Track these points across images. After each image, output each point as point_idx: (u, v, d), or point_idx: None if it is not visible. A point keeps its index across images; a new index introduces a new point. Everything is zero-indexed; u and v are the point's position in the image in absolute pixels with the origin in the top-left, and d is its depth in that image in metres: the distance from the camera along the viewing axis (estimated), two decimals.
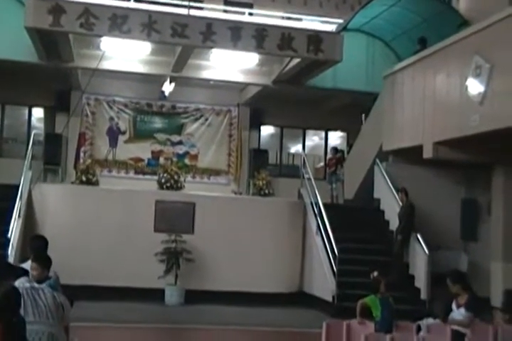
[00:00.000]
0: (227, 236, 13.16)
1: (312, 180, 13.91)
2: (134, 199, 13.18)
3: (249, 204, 13.85)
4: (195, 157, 17.53)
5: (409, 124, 13.27)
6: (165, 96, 16.58)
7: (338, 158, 16.13)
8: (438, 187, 13.68)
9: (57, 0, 11.79)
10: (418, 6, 14.36)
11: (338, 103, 16.98)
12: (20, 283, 4.64)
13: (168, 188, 13.47)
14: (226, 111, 17.81)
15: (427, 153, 12.34)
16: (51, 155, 15.51)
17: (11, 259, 10.53)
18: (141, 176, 16.94)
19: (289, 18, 17.32)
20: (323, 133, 18.83)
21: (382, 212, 13.95)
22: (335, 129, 18.78)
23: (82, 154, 16.61)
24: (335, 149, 16.53)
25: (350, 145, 16.97)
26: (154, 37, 12.39)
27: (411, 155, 13.19)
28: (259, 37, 12.63)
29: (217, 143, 17.70)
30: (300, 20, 17.67)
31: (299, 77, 14.80)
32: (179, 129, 17.54)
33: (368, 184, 14.40)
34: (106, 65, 14.61)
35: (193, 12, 13.82)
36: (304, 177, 14.53)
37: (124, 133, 17.19)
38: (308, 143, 18.82)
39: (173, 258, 12.45)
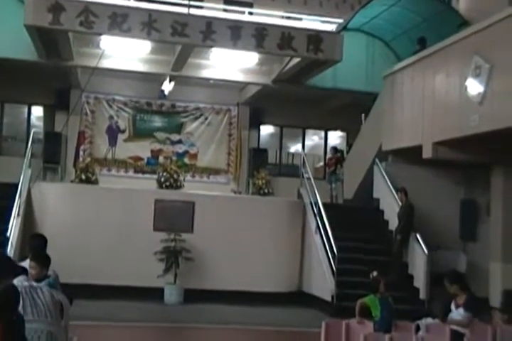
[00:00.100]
0: (227, 236, 13.16)
1: (312, 179, 13.92)
2: (133, 198, 13.18)
3: (248, 203, 13.85)
4: (194, 156, 17.53)
5: (408, 124, 13.28)
6: (164, 95, 16.57)
7: (337, 157, 16.14)
8: (437, 187, 13.69)
9: None
10: (418, 5, 14.36)
11: (338, 103, 16.98)
12: (19, 281, 4.63)
13: (167, 187, 13.47)
14: (226, 111, 17.80)
15: (427, 153, 12.34)
16: (50, 154, 15.49)
17: None
18: (140, 175, 16.93)
19: (289, 18, 17.30)
20: (322, 133, 18.83)
21: (382, 211, 13.95)
22: (334, 129, 18.78)
23: (81, 153, 16.60)
24: (334, 149, 16.54)
25: (349, 145, 16.97)
26: (154, 36, 12.38)
27: (410, 155, 13.19)
28: (259, 36, 12.62)
29: (217, 142, 17.70)
30: (300, 19, 17.66)
31: (299, 76, 14.80)
32: (179, 128, 17.53)
33: (367, 184, 14.40)
34: (106, 63, 14.60)
35: (193, 11, 13.83)
36: (303, 176, 14.53)
37: (123, 131, 17.18)
38: (307, 142, 18.82)
39: (173, 257, 12.45)
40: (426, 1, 14.42)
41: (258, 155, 17.26)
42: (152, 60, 14.98)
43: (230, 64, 15.01)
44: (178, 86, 16.42)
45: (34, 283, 4.76)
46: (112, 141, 17.06)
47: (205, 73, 15.45)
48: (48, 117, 16.98)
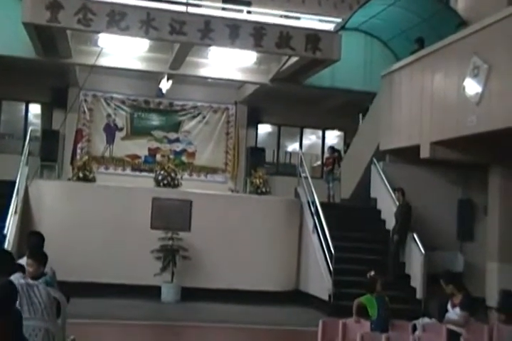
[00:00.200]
0: (224, 234, 13.16)
1: (309, 178, 13.93)
2: (130, 196, 13.17)
3: (245, 202, 13.85)
4: (192, 154, 17.51)
5: (406, 124, 13.28)
6: (162, 94, 16.55)
7: (335, 157, 16.15)
8: (435, 187, 13.69)
9: None
10: (416, 5, 14.35)
11: (336, 102, 16.97)
12: (15, 279, 4.60)
13: (164, 186, 13.46)
14: (223, 109, 17.79)
15: (424, 153, 12.35)
16: (48, 152, 15.48)
17: None
18: (137, 173, 16.90)
19: (287, 17, 17.28)
20: (320, 132, 18.83)
21: (379, 211, 13.96)
22: (332, 128, 18.78)
23: (78, 151, 16.54)
24: (332, 148, 16.54)
25: (347, 145, 16.99)
26: (152, 34, 12.36)
27: (408, 154, 13.20)
28: (258, 35, 12.62)
29: (215, 140, 17.68)
30: (298, 18, 17.63)
31: (297, 75, 14.80)
32: (176, 127, 17.51)
33: (364, 183, 14.41)
34: (103, 61, 14.58)
35: (191, 9, 13.81)
36: (300, 175, 14.53)
37: (121, 130, 17.15)
38: (305, 141, 18.81)
39: (170, 255, 12.45)
40: (424, 0, 14.42)
41: (256, 154, 17.26)
42: (150, 58, 14.96)
43: (228, 62, 15.00)
44: (176, 84, 16.42)
45: (30, 281, 4.74)
46: (110, 139, 17.04)
47: (203, 72, 15.44)
48: (46, 115, 16.94)
